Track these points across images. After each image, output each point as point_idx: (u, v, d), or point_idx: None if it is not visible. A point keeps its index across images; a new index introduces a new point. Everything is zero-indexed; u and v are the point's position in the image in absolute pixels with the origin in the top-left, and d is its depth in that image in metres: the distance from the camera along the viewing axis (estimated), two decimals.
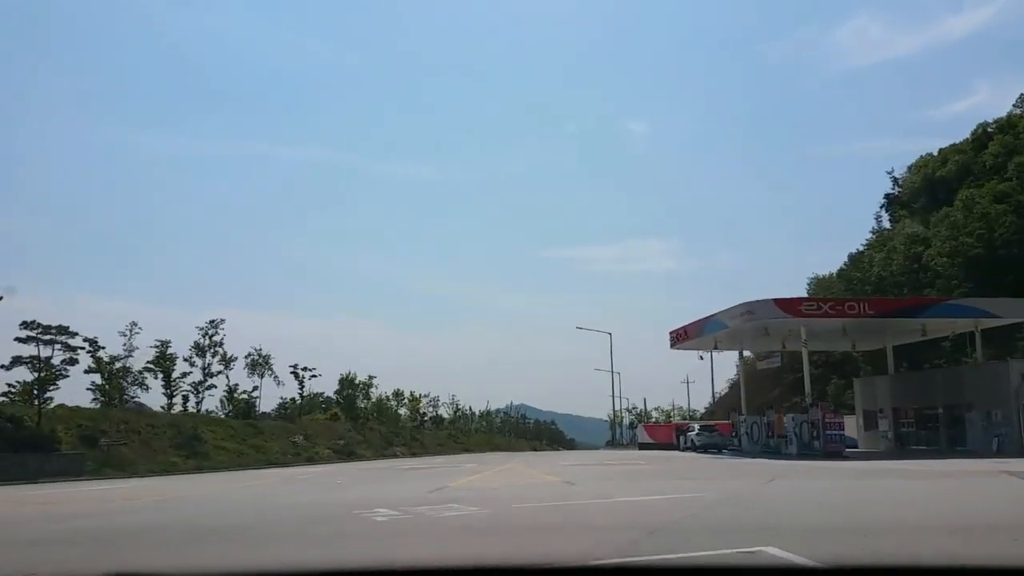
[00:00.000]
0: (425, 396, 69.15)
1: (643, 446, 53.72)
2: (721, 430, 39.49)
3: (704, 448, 38.48)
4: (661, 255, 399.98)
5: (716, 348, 40.44)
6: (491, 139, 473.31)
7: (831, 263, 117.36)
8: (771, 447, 34.15)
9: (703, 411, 79.37)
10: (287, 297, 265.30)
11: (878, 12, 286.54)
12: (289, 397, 52.24)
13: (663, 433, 53.83)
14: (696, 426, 41.55)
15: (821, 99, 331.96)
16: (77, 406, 33.89)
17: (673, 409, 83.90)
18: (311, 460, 39.70)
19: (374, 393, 59.89)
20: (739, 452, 36.34)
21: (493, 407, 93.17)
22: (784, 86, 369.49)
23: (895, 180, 76.07)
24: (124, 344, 34.51)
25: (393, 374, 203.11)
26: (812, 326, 32.75)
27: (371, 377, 59.38)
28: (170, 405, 39.87)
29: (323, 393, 60.63)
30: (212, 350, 38.68)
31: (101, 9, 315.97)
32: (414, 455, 51.45)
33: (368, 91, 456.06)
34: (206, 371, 38.80)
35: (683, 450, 40.27)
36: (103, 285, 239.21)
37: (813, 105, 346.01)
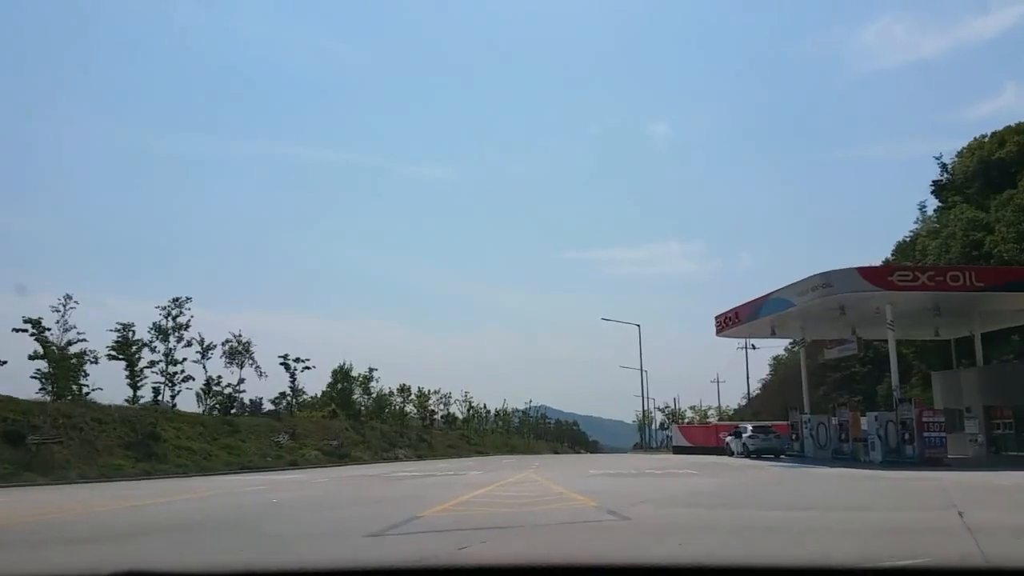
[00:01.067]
0: (435, 392, 62.74)
1: (678, 449, 47.85)
2: (778, 431, 33.26)
3: (758, 453, 32.33)
4: (682, 257, 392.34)
5: (773, 334, 34.21)
6: (511, 141, 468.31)
7: (852, 259, 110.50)
8: (845, 453, 28.14)
9: (733, 410, 74.62)
10: (297, 297, 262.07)
11: (902, 14, 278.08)
12: (283, 392, 46.58)
13: (701, 435, 47.67)
14: (749, 427, 35.20)
15: (845, 101, 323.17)
16: (9, 396, 28.30)
17: (709, 408, 77.53)
18: (295, 463, 34.20)
19: (375, 388, 53.73)
20: (801, 458, 30.20)
21: (511, 407, 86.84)
22: (807, 88, 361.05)
23: (943, 166, 71.99)
24: (58, 320, 27.99)
25: (406, 373, 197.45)
26: (896, 305, 26.61)
27: (371, 370, 53.37)
28: (135, 398, 34.32)
29: (331, 391, 55.20)
30: (176, 333, 32.79)
31: (119, 15, 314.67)
32: (419, 458, 46.07)
33: (386, 93, 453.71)
34: (169, 357, 32.95)
35: (736, 455, 33.98)
36: (110, 285, 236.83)
37: (837, 107, 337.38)
